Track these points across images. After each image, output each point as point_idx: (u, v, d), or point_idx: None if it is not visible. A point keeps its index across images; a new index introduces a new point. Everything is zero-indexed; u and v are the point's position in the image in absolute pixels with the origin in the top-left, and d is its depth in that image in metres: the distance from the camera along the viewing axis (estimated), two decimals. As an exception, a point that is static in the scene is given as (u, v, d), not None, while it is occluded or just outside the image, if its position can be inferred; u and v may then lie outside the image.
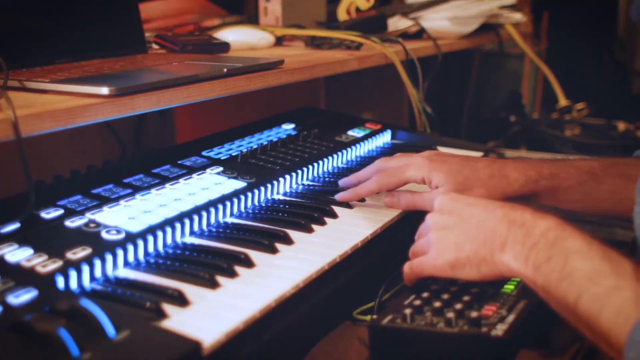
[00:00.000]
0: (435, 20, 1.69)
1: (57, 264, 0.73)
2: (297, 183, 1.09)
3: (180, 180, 0.99)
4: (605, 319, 0.65)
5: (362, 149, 1.28)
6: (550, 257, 0.71)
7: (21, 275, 0.71)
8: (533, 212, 0.76)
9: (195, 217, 0.89)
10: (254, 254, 0.83)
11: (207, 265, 0.79)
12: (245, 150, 1.14)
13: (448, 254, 0.80)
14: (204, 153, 1.11)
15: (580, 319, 0.67)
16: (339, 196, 1.02)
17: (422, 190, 1.00)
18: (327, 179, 1.12)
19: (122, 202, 0.90)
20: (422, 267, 0.83)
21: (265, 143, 1.18)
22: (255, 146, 1.16)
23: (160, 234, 0.84)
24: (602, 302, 0.65)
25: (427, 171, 0.97)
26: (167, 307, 0.70)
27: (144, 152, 1.07)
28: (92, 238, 0.80)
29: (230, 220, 0.94)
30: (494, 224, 0.78)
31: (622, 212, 0.94)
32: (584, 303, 0.66)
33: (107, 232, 0.81)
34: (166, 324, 0.67)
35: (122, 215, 0.86)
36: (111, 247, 0.79)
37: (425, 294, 0.82)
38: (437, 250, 0.82)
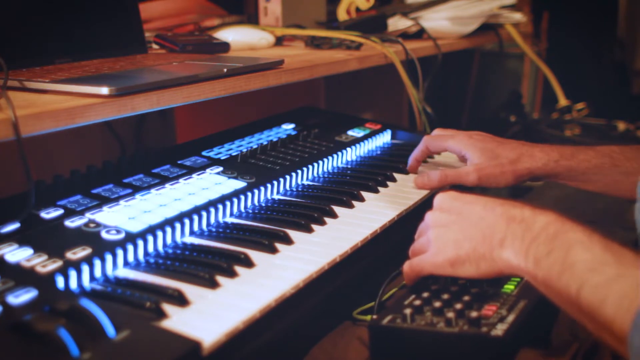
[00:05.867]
0: (435, 20, 1.69)
1: (57, 264, 0.73)
2: (297, 183, 1.09)
3: (180, 180, 0.99)
4: (608, 308, 0.63)
5: (362, 149, 1.28)
6: (550, 251, 0.70)
7: (21, 275, 0.71)
8: (532, 209, 0.76)
9: (195, 217, 0.89)
10: (254, 254, 0.83)
11: (207, 265, 0.79)
12: (245, 150, 1.15)
13: (448, 251, 0.80)
14: (204, 153, 1.11)
15: (582, 310, 0.67)
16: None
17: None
18: (327, 178, 1.12)
19: (122, 202, 0.90)
20: (422, 266, 0.83)
21: (265, 143, 1.18)
22: (255, 146, 1.16)
23: (160, 234, 0.84)
24: (604, 290, 0.64)
25: (465, 146, 1.09)
26: (167, 307, 0.70)
27: (144, 152, 1.07)
28: (92, 238, 0.80)
29: (230, 220, 0.94)
30: (493, 221, 0.78)
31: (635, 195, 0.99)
32: (586, 293, 0.66)
33: (107, 232, 0.82)
34: (166, 324, 0.67)
35: (122, 215, 0.86)
36: (111, 247, 0.79)
37: (425, 294, 0.82)
38: (436, 248, 0.82)
